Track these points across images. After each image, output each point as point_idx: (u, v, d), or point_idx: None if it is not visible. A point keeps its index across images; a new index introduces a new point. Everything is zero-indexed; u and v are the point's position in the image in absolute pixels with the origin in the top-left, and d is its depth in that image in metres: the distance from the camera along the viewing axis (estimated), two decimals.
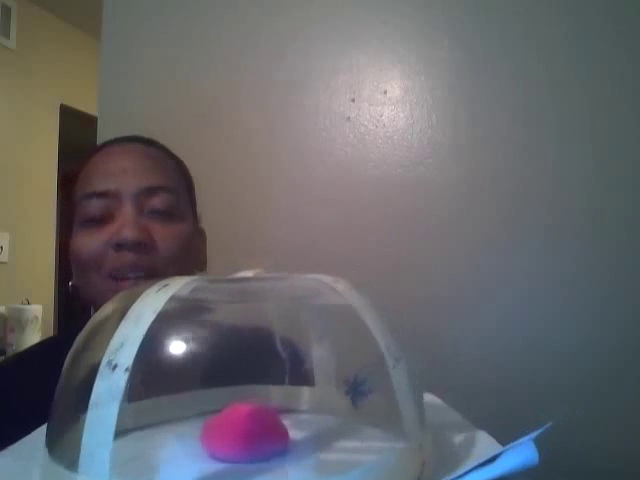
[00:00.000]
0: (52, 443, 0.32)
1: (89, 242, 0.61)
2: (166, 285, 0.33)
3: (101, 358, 0.29)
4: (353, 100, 0.98)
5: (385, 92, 0.96)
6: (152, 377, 0.36)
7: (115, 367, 0.28)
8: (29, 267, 2.37)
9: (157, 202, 0.63)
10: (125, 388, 0.28)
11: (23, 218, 2.35)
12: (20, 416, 0.40)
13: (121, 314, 0.32)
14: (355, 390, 0.39)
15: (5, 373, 0.66)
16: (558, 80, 0.89)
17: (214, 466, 0.33)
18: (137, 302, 0.32)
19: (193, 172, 0.74)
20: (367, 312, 0.36)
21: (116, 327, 0.31)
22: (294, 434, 0.36)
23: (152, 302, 0.32)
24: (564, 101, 0.88)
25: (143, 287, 0.34)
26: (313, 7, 1.00)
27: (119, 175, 0.63)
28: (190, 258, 0.65)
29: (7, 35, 2.44)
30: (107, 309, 0.38)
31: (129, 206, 0.61)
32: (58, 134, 2.63)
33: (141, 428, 0.40)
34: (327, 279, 0.38)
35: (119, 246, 0.59)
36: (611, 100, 0.86)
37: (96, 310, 0.60)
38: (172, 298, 0.32)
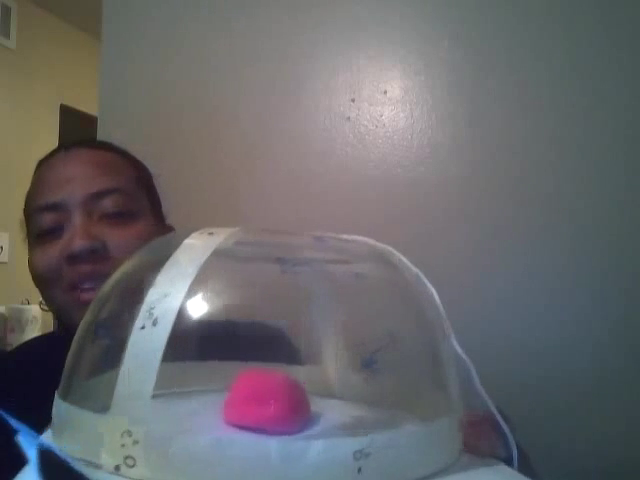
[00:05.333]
0: (71, 393, 0.31)
1: (43, 258, 0.60)
2: (211, 233, 0.31)
3: (135, 309, 0.27)
4: (353, 100, 0.98)
5: (385, 92, 0.96)
6: (180, 337, 0.36)
7: (156, 320, 0.27)
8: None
9: (107, 205, 0.61)
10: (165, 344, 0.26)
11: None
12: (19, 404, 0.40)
13: (158, 263, 0.29)
14: (367, 366, 0.38)
15: (4, 362, 0.67)
16: (558, 80, 0.89)
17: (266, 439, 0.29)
18: (180, 250, 0.30)
19: (193, 172, 0.73)
20: (425, 284, 0.36)
21: (152, 276, 0.29)
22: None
23: (196, 251, 0.30)
24: (564, 101, 0.88)
25: (179, 234, 0.32)
26: (313, 7, 1.00)
27: (63, 185, 0.61)
28: None
29: (7, 35, 2.44)
30: (136, 259, 0.36)
31: (78, 215, 0.60)
32: (58, 134, 2.64)
33: (160, 394, 0.37)
34: (384, 249, 0.37)
35: (72, 258, 0.58)
36: (611, 100, 0.86)
37: (65, 325, 0.60)
38: (215, 251, 0.30)
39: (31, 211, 0.63)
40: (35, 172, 0.66)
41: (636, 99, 0.86)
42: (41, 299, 0.66)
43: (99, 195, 0.61)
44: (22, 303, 2.29)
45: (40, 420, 0.32)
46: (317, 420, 0.34)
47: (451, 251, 0.91)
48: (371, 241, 0.38)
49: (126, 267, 0.37)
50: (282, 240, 0.38)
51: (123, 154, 0.69)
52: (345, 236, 0.39)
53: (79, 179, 0.62)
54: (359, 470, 0.27)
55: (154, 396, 0.36)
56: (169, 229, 0.70)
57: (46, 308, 0.66)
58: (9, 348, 2.17)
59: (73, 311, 0.59)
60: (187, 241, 0.31)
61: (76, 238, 0.58)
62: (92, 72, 1.66)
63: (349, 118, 0.97)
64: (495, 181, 0.90)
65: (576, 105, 0.88)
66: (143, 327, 0.27)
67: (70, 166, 0.63)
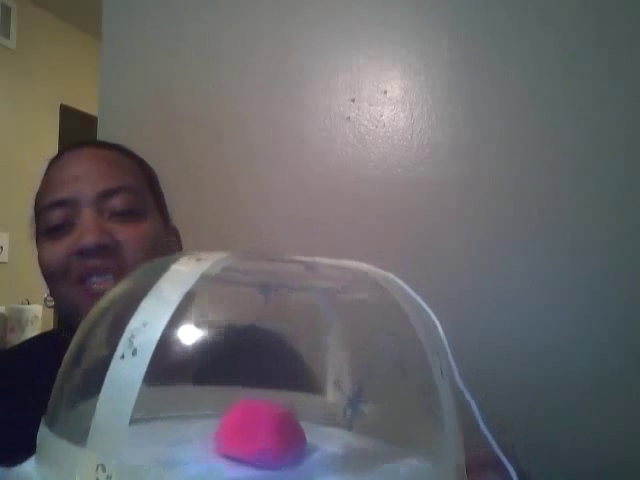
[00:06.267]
0: (55, 421, 0.31)
1: (53, 253, 0.61)
2: (199, 260, 0.30)
3: (118, 336, 0.27)
4: (353, 100, 0.98)
5: (385, 92, 0.96)
6: (167, 362, 0.35)
7: (135, 350, 0.26)
8: (29, 267, 2.36)
9: (116, 203, 0.62)
10: (145, 373, 0.26)
11: (23, 218, 2.34)
12: (17, 403, 0.40)
13: (143, 289, 0.29)
14: (353, 404, 0.37)
15: (4, 361, 0.67)
16: (558, 80, 0.89)
17: (239, 470, 0.30)
18: (165, 277, 0.29)
19: (193, 172, 0.73)
20: (414, 315, 0.33)
21: (137, 303, 0.28)
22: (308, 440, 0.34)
23: (181, 278, 0.29)
24: (564, 101, 0.88)
25: (169, 259, 0.31)
26: (313, 7, 1.00)
27: (74, 182, 0.62)
28: (160, 256, 0.64)
29: (7, 35, 2.44)
30: (126, 283, 0.36)
31: (88, 212, 0.61)
32: (58, 134, 2.64)
33: (151, 419, 0.37)
34: (376, 274, 0.35)
35: (82, 253, 0.59)
36: (611, 100, 0.86)
37: (71, 321, 0.60)
38: (202, 276, 0.29)
39: (41, 207, 0.64)
40: (45, 171, 0.67)
41: (636, 99, 0.86)
42: (46, 295, 0.66)
43: (109, 193, 0.62)
44: (22, 303, 2.29)
45: (38, 420, 0.32)
46: (311, 453, 0.33)
47: (451, 251, 0.91)
48: (369, 267, 0.36)
49: (115, 292, 0.37)
50: (272, 268, 0.38)
51: (131, 155, 0.70)
52: (342, 261, 0.37)
53: (90, 177, 0.63)
54: None
55: (149, 420, 0.35)
56: (174, 230, 0.71)
57: (51, 304, 0.66)
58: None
59: (80, 305, 0.59)
60: (173, 267, 0.30)
61: (87, 234, 0.59)
62: (92, 72, 1.66)
63: (349, 118, 0.97)
64: (495, 181, 0.90)
65: (576, 105, 0.88)
66: (123, 356, 0.27)
67: (80, 164, 0.64)
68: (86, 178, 0.62)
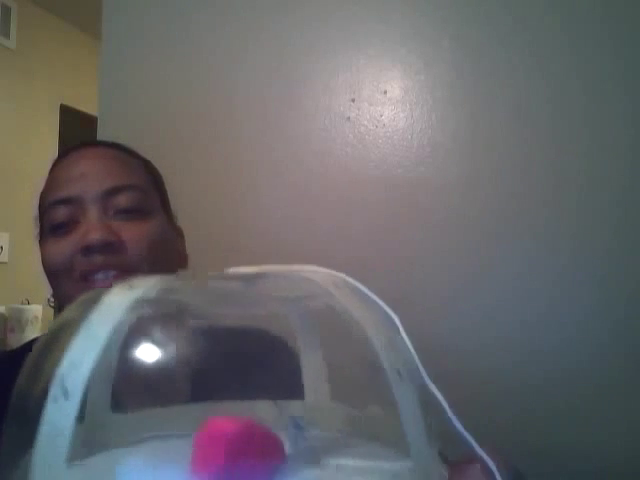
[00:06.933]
0: (6, 465, 0.30)
1: (57, 250, 0.61)
2: (130, 287, 0.30)
3: (51, 379, 0.27)
4: (353, 100, 0.98)
5: (385, 92, 0.96)
6: (131, 388, 0.34)
7: (67, 392, 0.26)
8: (29, 267, 2.37)
9: (122, 201, 0.62)
10: (77, 417, 0.26)
11: (23, 218, 2.34)
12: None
13: (77, 324, 0.29)
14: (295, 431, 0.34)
15: (5, 362, 0.67)
16: (558, 79, 0.89)
17: None
18: (95, 311, 0.29)
19: (192, 172, 0.73)
20: (367, 319, 0.33)
21: (67, 341, 0.28)
22: (289, 451, 0.33)
23: (110, 311, 0.29)
24: (564, 101, 0.88)
25: (104, 290, 0.31)
26: (313, 7, 1.00)
27: (79, 180, 0.62)
28: (165, 256, 0.64)
29: (7, 35, 2.44)
30: (67, 314, 0.35)
31: (93, 209, 0.61)
32: (58, 134, 2.64)
33: (123, 444, 0.36)
34: (323, 278, 0.35)
35: (86, 250, 0.58)
36: (612, 99, 0.86)
37: None
38: (141, 301, 0.29)
39: (46, 206, 0.63)
40: (50, 170, 0.67)
41: (637, 99, 0.86)
42: (49, 296, 0.66)
43: (114, 191, 0.62)
44: (22, 303, 2.29)
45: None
46: (289, 467, 0.32)
47: (451, 251, 0.91)
48: (321, 270, 0.35)
49: (53, 326, 0.36)
50: (222, 282, 0.37)
51: (135, 155, 0.70)
52: (292, 267, 0.36)
53: (94, 175, 0.62)
54: None
55: (120, 446, 0.34)
56: (179, 231, 0.71)
57: (54, 305, 0.66)
58: (9, 348, 2.17)
59: None
60: (104, 298, 0.30)
61: (93, 231, 0.59)
62: (92, 72, 1.66)
63: (349, 118, 0.97)
64: (495, 181, 0.90)
65: (576, 105, 0.88)
66: (55, 400, 0.26)
67: (85, 162, 0.64)
68: (91, 176, 0.62)
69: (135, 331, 0.29)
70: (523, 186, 0.89)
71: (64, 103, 2.68)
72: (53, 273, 0.62)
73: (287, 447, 0.32)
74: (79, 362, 0.27)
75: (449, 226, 0.91)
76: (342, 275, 0.35)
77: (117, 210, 0.62)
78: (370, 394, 0.36)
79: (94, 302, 0.30)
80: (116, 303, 0.29)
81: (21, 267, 2.34)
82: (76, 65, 2.74)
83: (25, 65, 2.52)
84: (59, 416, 0.26)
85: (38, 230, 0.66)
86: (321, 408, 0.40)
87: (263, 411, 0.37)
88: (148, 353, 0.33)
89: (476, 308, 0.88)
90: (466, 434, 0.31)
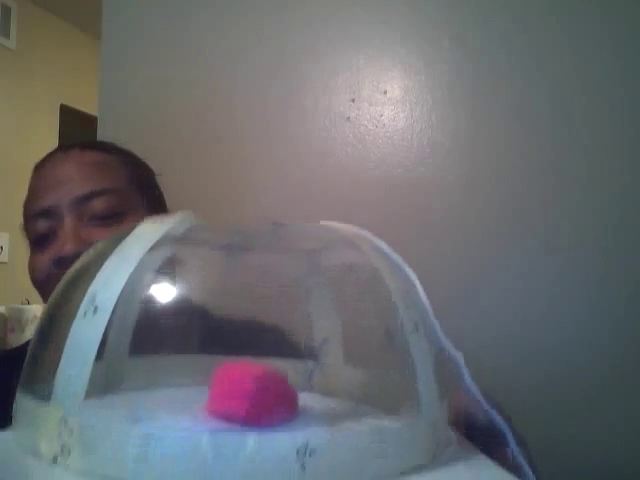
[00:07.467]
0: (27, 384, 0.31)
1: (37, 263, 0.62)
2: (163, 221, 0.31)
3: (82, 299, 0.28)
4: (353, 100, 0.98)
5: (385, 92, 0.96)
6: (149, 332, 0.35)
7: (96, 308, 0.27)
8: None
9: (97, 207, 0.62)
10: (105, 331, 0.27)
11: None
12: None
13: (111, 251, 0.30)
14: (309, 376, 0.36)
15: (5, 361, 0.67)
16: (558, 80, 0.89)
17: (211, 425, 0.29)
18: (128, 238, 0.30)
19: (192, 172, 0.73)
20: (387, 272, 0.33)
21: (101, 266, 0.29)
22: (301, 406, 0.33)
23: (142, 237, 0.30)
24: (564, 101, 0.88)
25: (137, 224, 0.32)
26: (313, 7, 1.00)
27: (53, 190, 0.62)
28: None
29: (7, 35, 2.44)
30: (94, 250, 0.36)
31: (68, 219, 0.61)
32: (58, 134, 2.64)
33: (138, 388, 0.37)
34: (348, 231, 0.36)
35: (60, 262, 0.59)
36: (612, 100, 0.86)
37: None
38: (169, 239, 0.30)
39: (28, 217, 0.65)
40: (30, 178, 0.68)
41: (637, 99, 0.86)
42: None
43: (87, 197, 0.62)
44: (22, 303, 2.29)
45: None
46: (302, 415, 0.32)
47: (451, 251, 0.91)
48: (345, 226, 0.37)
49: (86, 256, 0.38)
50: (240, 228, 0.38)
51: (115, 153, 0.69)
52: (320, 222, 0.38)
53: (67, 183, 0.63)
54: (303, 467, 0.25)
55: (135, 389, 0.36)
56: None
57: None
58: (9, 348, 2.17)
59: None
60: (137, 229, 0.31)
61: (66, 244, 0.59)
62: (92, 72, 1.66)
63: (349, 118, 0.97)
64: (495, 181, 0.90)
65: (576, 105, 0.88)
66: (85, 315, 0.27)
67: (59, 170, 0.64)
68: (64, 184, 0.62)
69: (159, 279, 0.30)
70: (523, 186, 0.89)
71: (64, 103, 2.68)
72: (37, 284, 0.64)
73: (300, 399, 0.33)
74: (110, 281, 0.28)
75: (449, 226, 0.91)
76: (366, 231, 0.37)
77: (92, 216, 0.62)
78: (384, 356, 0.37)
79: (127, 234, 0.31)
80: (148, 231, 0.30)
81: (21, 267, 2.33)
82: (76, 65, 2.74)
83: (25, 65, 2.52)
84: (88, 330, 0.27)
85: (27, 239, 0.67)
86: (335, 373, 0.40)
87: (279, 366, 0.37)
88: (170, 299, 0.34)
89: (476, 308, 0.88)
90: (477, 391, 0.35)
